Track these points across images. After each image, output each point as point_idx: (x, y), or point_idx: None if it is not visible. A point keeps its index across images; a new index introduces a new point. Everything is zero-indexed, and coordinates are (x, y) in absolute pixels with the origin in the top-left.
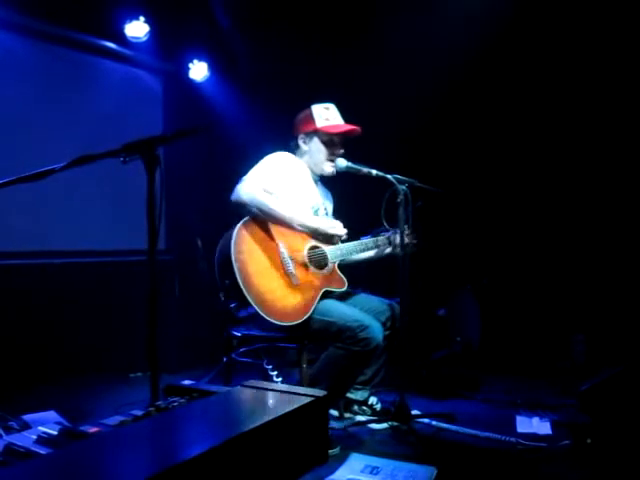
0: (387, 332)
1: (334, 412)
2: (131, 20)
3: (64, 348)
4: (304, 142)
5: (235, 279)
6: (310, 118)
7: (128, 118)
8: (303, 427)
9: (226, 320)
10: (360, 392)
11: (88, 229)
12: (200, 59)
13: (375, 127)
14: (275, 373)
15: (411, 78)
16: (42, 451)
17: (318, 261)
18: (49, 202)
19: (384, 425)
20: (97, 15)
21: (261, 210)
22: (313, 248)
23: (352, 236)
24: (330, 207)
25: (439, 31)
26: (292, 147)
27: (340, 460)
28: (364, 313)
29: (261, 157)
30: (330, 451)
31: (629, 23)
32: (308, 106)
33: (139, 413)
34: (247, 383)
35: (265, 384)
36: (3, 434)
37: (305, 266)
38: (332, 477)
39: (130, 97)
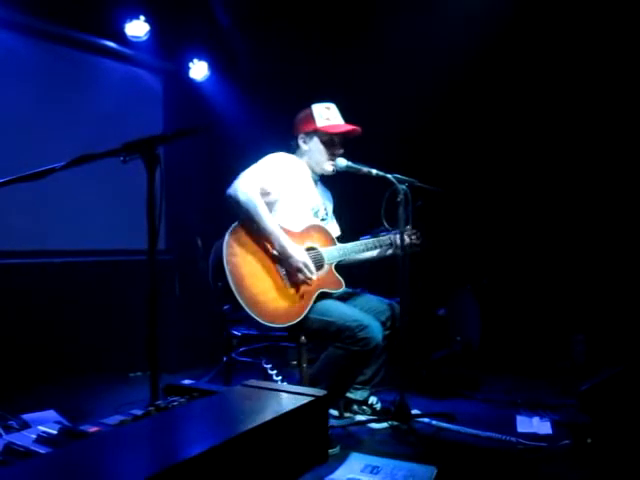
0: (387, 332)
1: (334, 411)
2: (131, 19)
3: (64, 347)
4: (304, 142)
5: (227, 282)
6: (310, 118)
7: (128, 117)
8: (303, 427)
9: (225, 320)
10: (360, 392)
11: (88, 228)
12: (200, 58)
13: (375, 127)
14: (275, 372)
15: (411, 78)
16: (42, 450)
17: (314, 262)
18: (49, 201)
19: (384, 425)
20: (97, 14)
21: (249, 216)
22: (309, 249)
23: (352, 236)
24: (330, 207)
25: (439, 31)
26: (292, 147)
27: (340, 459)
28: (363, 313)
29: (261, 157)
30: (330, 450)
31: (629, 23)
32: (308, 106)
33: (139, 412)
34: (247, 383)
35: (265, 384)
36: (3, 433)
37: None
38: (332, 477)
39: (130, 96)
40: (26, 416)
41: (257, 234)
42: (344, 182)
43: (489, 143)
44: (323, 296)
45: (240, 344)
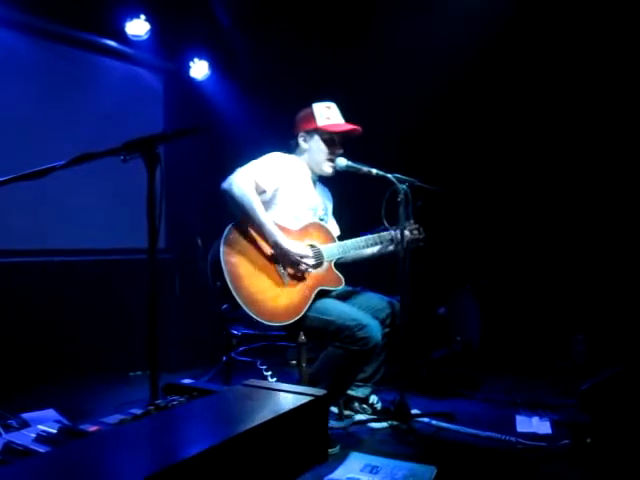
0: (387, 329)
1: (334, 411)
2: (132, 18)
3: (64, 347)
4: (304, 140)
5: (225, 281)
6: (311, 116)
7: (128, 116)
8: (303, 426)
9: (224, 319)
10: (361, 389)
11: (88, 228)
12: (201, 58)
13: (375, 127)
14: (270, 373)
15: (411, 78)
16: (41, 449)
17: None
18: (49, 200)
19: (384, 424)
20: (98, 13)
21: (244, 210)
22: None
23: (352, 236)
24: (330, 207)
25: (439, 31)
26: (292, 145)
27: (340, 459)
28: (362, 312)
29: (261, 156)
30: (330, 450)
31: (629, 23)
32: (308, 105)
33: (139, 412)
34: (247, 382)
35: (265, 383)
36: (2, 432)
37: None
38: (332, 476)
39: (131, 95)
40: (26, 415)
41: (253, 231)
42: (344, 182)
43: (489, 143)
44: (322, 294)
45: (240, 344)
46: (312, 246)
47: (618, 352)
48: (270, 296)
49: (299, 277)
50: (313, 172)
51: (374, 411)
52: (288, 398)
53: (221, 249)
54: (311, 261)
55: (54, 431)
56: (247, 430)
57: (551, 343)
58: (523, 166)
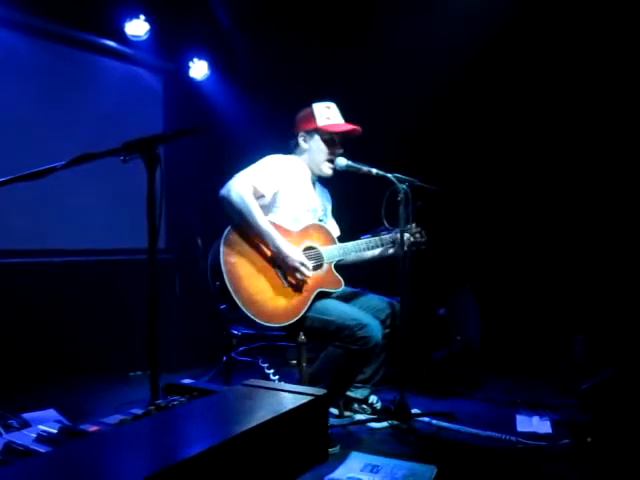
0: (387, 330)
1: (334, 411)
2: (131, 18)
3: (64, 347)
4: (304, 140)
5: (224, 282)
6: (311, 116)
7: (128, 117)
8: (303, 426)
9: (224, 319)
10: (360, 390)
11: (88, 228)
12: (200, 58)
13: (375, 127)
14: (272, 371)
15: (411, 78)
16: (42, 449)
17: (312, 261)
18: (49, 201)
19: (384, 424)
20: (97, 13)
21: (243, 216)
22: (308, 249)
23: (352, 236)
24: (329, 207)
25: (439, 31)
26: (292, 145)
27: (340, 459)
28: (363, 312)
29: (261, 156)
30: (330, 450)
31: (629, 23)
32: (308, 105)
33: (139, 412)
34: (247, 382)
35: (265, 383)
36: (3, 432)
37: None
38: (332, 476)
39: (130, 96)
40: (26, 415)
41: (252, 235)
42: (344, 182)
43: (489, 143)
44: (322, 295)
45: (240, 343)
46: (312, 248)
47: (618, 352)
48: (269, 297)
49: (298, 280)
50: (313, 173)
51: (374, 411)
52: (288, 398)
53: (221, 249)
54: (310, 272)
55: (54, 431)
56: (247, 430)
57: (551, 343)
58: (523, 166)
